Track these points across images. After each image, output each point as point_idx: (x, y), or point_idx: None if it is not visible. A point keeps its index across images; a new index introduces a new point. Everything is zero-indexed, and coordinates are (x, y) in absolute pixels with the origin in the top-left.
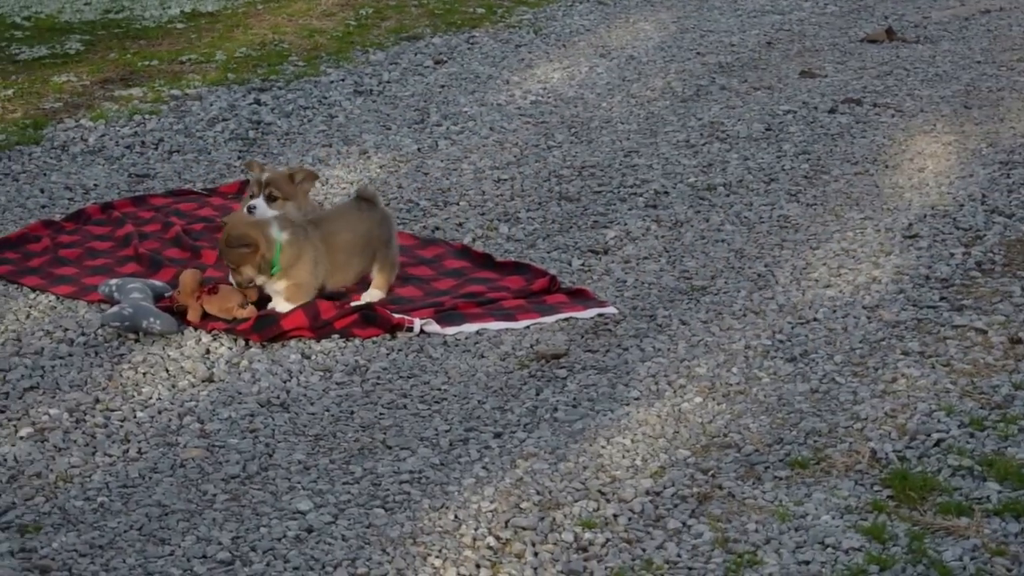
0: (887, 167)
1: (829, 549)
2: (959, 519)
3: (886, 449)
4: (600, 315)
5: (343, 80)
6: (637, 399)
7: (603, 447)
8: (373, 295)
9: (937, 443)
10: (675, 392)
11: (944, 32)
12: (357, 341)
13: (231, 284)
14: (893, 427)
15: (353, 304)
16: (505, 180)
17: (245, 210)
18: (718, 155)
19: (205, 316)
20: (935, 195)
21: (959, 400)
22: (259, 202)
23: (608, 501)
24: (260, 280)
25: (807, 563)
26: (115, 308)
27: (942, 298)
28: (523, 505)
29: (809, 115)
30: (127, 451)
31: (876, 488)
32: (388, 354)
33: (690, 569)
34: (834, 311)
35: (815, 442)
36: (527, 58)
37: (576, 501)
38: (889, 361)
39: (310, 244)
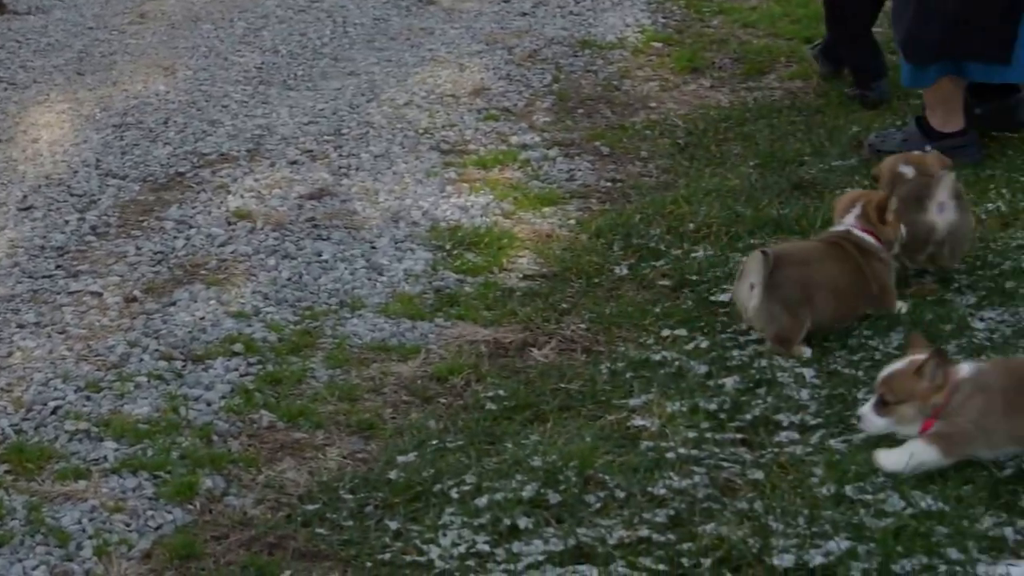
0: (0, 141)
1: None
2: (77, 483)
3: (2, 424)
4: None
5: None
6: None
7: None
8: None
9: (54, 411)
10: None
11: (56, 2)
12: None
13: None
14: (9, 401)
15: None
16: None
17: None
18: None
19: None
20: (49, 164)
21: (76, 365)
22: None
23: None
24: None
25: None
26: None
27: (58, 266)
28: None
29: None
30: None
31: None
32: None
33: None
34: None
35: None
36: None
37: None
38: (4, 336)
39: None
